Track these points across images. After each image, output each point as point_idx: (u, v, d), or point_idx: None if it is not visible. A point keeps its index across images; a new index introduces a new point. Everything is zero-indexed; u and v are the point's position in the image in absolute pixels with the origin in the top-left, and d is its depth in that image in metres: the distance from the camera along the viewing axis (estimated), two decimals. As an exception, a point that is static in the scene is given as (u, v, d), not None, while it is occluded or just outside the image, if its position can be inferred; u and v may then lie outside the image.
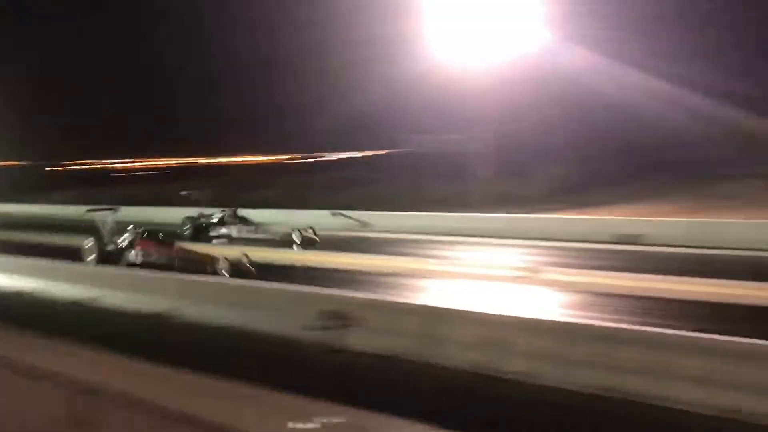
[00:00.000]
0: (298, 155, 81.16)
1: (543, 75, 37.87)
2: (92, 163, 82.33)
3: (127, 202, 27.69)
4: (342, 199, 30.15)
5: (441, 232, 22.24)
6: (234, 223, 22.80)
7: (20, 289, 15.67)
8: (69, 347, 8.96)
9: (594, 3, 36.11)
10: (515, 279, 14.78)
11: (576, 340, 8.85)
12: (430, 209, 25.79)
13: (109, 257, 17.70)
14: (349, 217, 24.78)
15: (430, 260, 17.55)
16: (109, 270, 16.30)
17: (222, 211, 23.46)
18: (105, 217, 19.38)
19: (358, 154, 73.03)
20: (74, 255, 18.02)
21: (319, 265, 17.50)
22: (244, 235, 22.22)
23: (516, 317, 9.69)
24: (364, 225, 24.23)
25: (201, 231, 23.02)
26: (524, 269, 15.34)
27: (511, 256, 18.00)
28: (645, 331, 8.78)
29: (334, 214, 24.99)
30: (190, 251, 17.83)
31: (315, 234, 21.11)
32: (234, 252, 17.27)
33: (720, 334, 8.19)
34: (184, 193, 27.35)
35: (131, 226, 18.36)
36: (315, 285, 12.48)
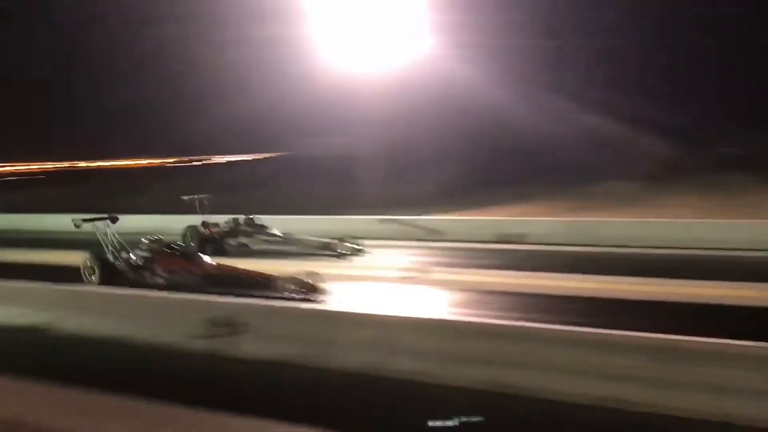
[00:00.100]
0: (185, 158, 78.85)
1: (430, 80, 38.72)
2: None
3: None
4: (227, 203, 29.50)
5: (331, 234, 22.20)
6: (252, 233, 19.79)
7: None
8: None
9: (481, 12, 37.35)
10: (404, 280, 14.99)
11: (462, 337, 9.04)
12: (319, 212, 25.72)
13: (117, 276, 14.92)
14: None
15: (319, 263, 17.46)
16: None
17: (233, 218, 20.36)
18: (104, 227, 16.11)
19: (247, 157, 71.80)
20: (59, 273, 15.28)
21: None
22: (268, 247, 19.10)
23: (405, 317, 9.81)
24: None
25: (209, 243, 19.51)
26: (413, 270, 15.61)
27: (401, 257, 18.23)
28: (529, 327, 9.10)
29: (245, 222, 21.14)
30: (233, 269, 14.52)
31: (358, 244, 18.64)
32: (289, 268, 14.17)
33: (597, 327, 8.58)
34: (186, 198, 22.77)
35: (150, 237, 15.51)
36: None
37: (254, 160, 68.50)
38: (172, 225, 22.04)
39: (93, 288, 13.99)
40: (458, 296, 13.82)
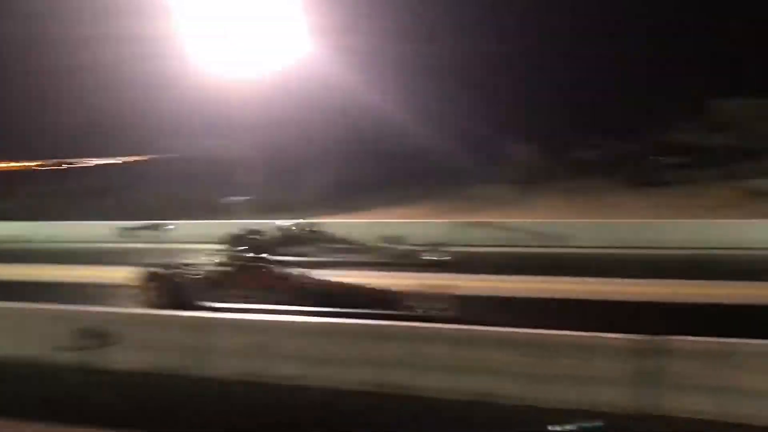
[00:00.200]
0: (51, 162, 74.12)
1: (310, 84, 38.62)
2: None
3: None
4: (90, 209, 27.99)
5: (204, 240, 21.65)
6: (312, 240, 17.33)
7: None
8: None
9: (361, 16, 37.70)
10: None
11: (344, 339, 9.08)
12: (194, 217, 25.04)
13: (185, 295, 12.60)
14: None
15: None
16: None
17: (287, 223, 17.92)
18: (157, 236, 14.50)
19: (117, 160, 68.51)
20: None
21: (51, 279, 16.30)
22: (332, 257, 16.52)
23: (284, 321, 9.78)
24: None
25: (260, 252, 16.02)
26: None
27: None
28: (408, 327, 9.24)
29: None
30: (340, 284, 12.37)
31: (443, 250, 16.89)
32: (405, 281, 12.58)
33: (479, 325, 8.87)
34: (231, 200, 20.18)
35: (224, 249, 13.37)
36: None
37: (125, 163, 65.52)
38: (213, 231, 18.78)
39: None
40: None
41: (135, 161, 64.07)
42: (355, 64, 38.63)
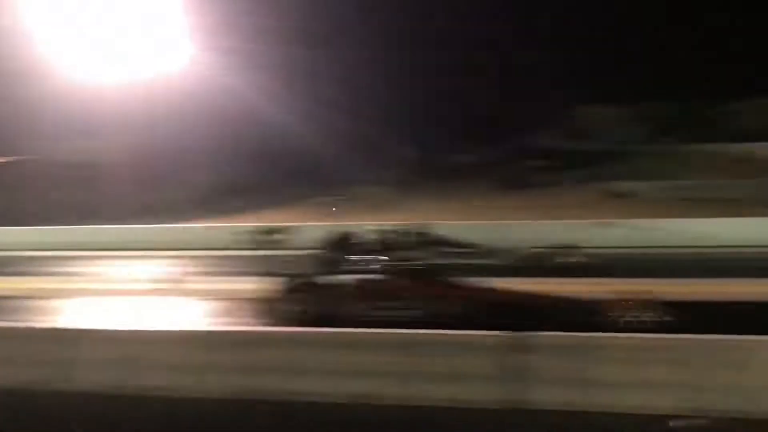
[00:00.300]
0: None
1: (187, 85, 37.60)
2: None
3: None
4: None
5: (72, 246, 20.68)
6: (426, 244, 15.66)
7: None
8: None
9: (240, 17, 37.07)
10: (157, 291, 14.48)
11: (212, 347, 8.92)
12: (61, 222, 23.83)
13: (332, 309, 11.16)
14: None
15: (66, 278, 16.26)
16: None
17: (390, 229, 16.33)
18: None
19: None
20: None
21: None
22: (455, 260, 14.72)
23: (151, 332, 9.47)
24: None
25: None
26: (166, 281, 15.15)
27: (154, 268, 17.57)
28: (284, 332, 9.29)
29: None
30: (527, 293, 11.11)
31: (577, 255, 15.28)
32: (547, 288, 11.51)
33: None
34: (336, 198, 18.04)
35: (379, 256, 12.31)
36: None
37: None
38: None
39: None
40: (214, 306, 13.61)
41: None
42: (237, 66, 38.03)
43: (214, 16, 35.07)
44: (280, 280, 11.84)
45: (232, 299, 13.81)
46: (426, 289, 11.11)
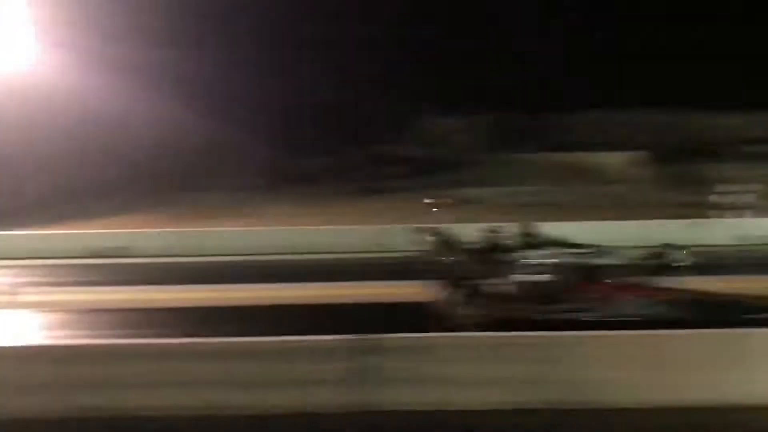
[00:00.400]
0: None
1: (28, 84, 34.96)
2: None
3: None
4: None
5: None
6: (540, 246, 14.08)
7: None
8: None
9: (88, 16, 35.06)
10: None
11: (32, 363, 8.38)
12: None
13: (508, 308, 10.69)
14: None
15: None
16: None
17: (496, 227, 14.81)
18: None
19: None
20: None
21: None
22: (574, 260, 12.94)
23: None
24: None
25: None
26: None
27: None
28: (108, 344, 8.95)
29: None
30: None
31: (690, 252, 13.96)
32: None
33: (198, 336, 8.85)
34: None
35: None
36: None
37: None
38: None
39: None
40: (50, 318, 12.88)
41: None
42: (87, 66, 35.90)
43: (64, 13, 32.92)
44: (441, 285, 11.66)
45: (72, 310, 13.13)
46: (600, 289, 11.12)
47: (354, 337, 8.33)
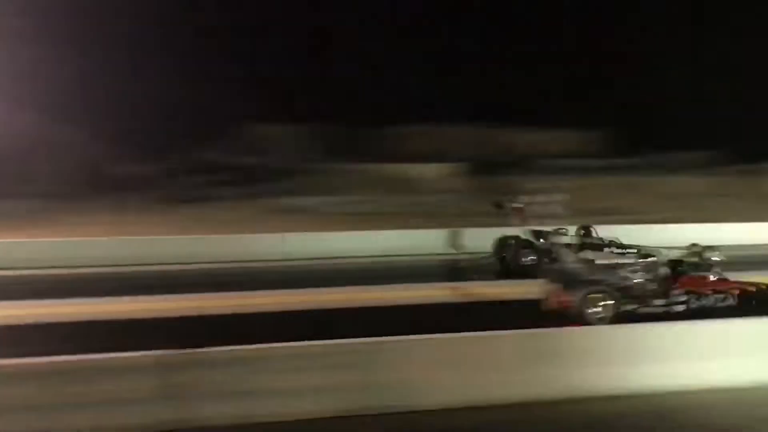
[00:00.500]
0: None
1: None
2: None
3: None
4: None
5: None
6: (598, 247, 14.70)
7: None
8: None
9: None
10: None
11: None
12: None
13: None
14: None
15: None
16: None
17: (556, 229, 16.37)
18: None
19: None
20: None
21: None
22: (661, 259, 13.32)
23: None
24: None
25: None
26: None
27: None
28: None
29: None
30: None
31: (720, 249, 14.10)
32: None
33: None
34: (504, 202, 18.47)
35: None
36: None
37: None
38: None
39: None
40: None
41: None
42: None
43: None
44: (557, 286, 12.51)
45: None
46: (686, 284, 12.50)
47: (163, 353, 7.97)
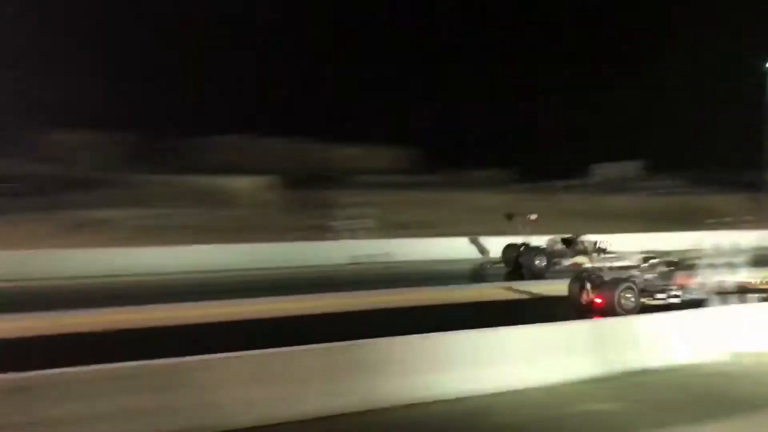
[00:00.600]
0: None
1: None
2: None
3: None
4: None
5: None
6: (589, 252, 16.94)
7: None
8: None
9: None
10: None
11: None
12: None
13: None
14: None
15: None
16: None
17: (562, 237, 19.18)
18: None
19: None
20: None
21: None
22: (667, 260, 15.96)
23: None
24: None
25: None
26: None
27: None
28: None
29: None
30: None
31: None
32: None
33: None
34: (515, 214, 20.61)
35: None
36: None
37: None
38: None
39: None
40: None
41: None
42: None
43: None
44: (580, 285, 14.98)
45: None
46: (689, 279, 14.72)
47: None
